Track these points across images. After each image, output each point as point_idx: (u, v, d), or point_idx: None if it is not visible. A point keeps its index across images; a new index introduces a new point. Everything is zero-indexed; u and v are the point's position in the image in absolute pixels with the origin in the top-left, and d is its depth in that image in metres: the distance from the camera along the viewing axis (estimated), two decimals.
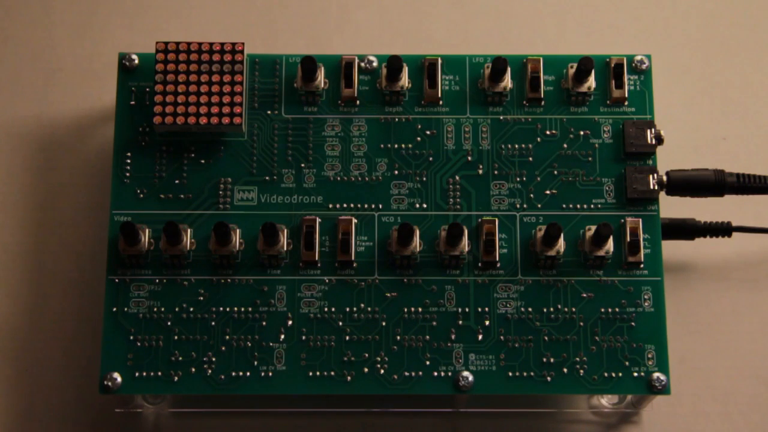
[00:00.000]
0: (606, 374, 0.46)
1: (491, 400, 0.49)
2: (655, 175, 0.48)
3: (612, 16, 0.55)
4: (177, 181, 0.48)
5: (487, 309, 0.47)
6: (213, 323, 0.47)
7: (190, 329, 0.47)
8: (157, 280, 0.47)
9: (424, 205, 0.48)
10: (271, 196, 0.48)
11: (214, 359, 0.46)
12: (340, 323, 0.47)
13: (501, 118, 0.49)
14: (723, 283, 0.51)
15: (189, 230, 0.47)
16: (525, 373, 0.46)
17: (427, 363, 0.46)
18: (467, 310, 0.47)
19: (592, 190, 0.48)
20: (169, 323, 0.47)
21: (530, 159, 0.49)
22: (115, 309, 0.47)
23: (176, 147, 0.48)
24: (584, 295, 0.47)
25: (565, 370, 0.46)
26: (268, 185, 0.48)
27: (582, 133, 0.49)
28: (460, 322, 0.47)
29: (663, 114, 0.50)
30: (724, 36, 0.55)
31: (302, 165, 0.48)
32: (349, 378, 0.46)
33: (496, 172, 0.48)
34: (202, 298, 0.47)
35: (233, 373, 0.46)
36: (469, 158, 0.49)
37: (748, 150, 0.53)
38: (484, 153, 0.49)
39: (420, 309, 0.47)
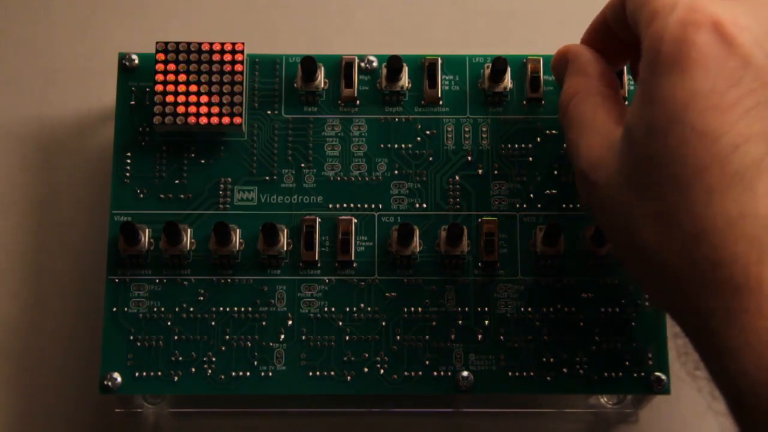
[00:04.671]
0: (606, 374, 0.46)
1: (491, 400, 0.49)
2: None
3: None
4: (177, 181, 0.48)
5: (487, 309, 0.47)
6: (213, 323, 0.47)
7: (190, 329, 0.47)
8: (157, 280, 0.47)
9: (424, 205, 0.48)
10: (271, 196, 0.48)
11: (214, 359, 0.46)
12: (340, 323, 0.47)
13: (501, 118, 0.49)
14: None
15: (189, 230, 0.47)
16: (525, 373, 0.46)
17: (427, 363, 0.46)
18: (467, 310, 0.47)
19: None
20: (169, 323, 0.47)
21: (530, 159, 0.49)
22: (115, 309, 0.47)
23: (176, 147, 0.48)
24: (584, 295, 0.47)
25: (565, 370, 0.46)
26: (268, 185, 0.48)
27: None
28: (460, 322, 0.47)
29: None
30: None
31: (302, 165, 0.48)
32: (349, 378, 0.46)
33: (496, 172, 0.48)
34: (202, 298, 0.47)
35: (233, 373, 0.46)
36: (469, 158, 0.48)
37: None
38: (484, 153, 0.49)
39: (420, 309, 0.47)
